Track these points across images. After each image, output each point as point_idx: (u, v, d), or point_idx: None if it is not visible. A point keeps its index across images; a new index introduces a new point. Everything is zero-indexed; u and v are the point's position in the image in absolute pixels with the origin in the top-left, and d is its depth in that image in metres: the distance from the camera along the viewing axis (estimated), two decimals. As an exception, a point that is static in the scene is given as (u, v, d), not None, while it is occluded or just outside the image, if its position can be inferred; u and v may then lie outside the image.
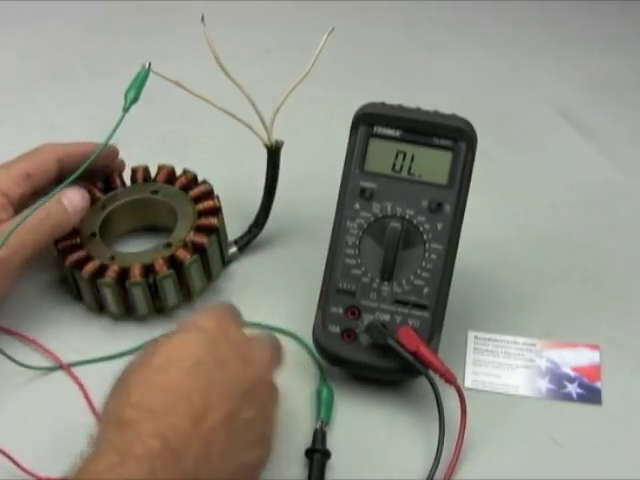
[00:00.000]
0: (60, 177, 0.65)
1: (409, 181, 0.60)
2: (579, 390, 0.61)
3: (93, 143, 0.65)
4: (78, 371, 0.62)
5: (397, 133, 0.60)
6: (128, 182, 0.72)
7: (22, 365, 0.61)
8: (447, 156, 0.59)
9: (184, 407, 0.45)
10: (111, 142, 0.59)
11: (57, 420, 0.59)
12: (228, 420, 0.46)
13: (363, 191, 0.60)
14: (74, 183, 0.59)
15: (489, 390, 0.61)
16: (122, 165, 0.72)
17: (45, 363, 0.63)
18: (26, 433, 0.58)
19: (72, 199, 0.64)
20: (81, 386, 0.61)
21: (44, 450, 0.56)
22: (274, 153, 0.66)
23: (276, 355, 0.54)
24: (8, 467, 0.55)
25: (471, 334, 0.64)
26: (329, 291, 0.60)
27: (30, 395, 0.61)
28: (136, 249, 0.67)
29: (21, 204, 0.63)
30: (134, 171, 0.72)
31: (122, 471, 0.43)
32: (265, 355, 0.52)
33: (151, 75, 0.60)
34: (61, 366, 0.62)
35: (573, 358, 0.63)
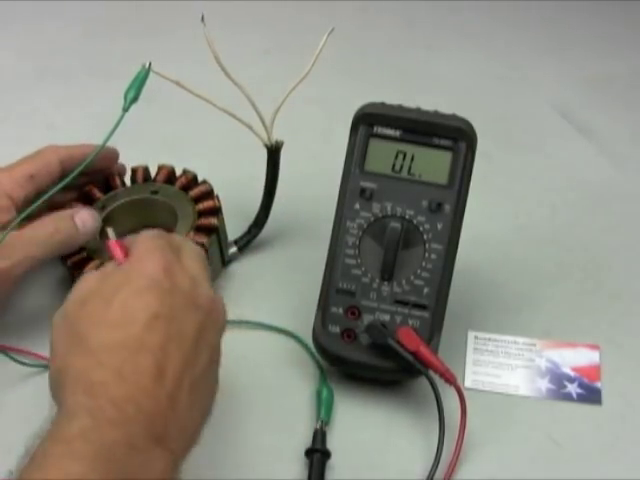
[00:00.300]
0: (63, 179, 0.65)
1: (409, 181, 0.60)
2: (579, 390, 0.61)
3: (95, 145, 0.66)
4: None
5: (397, 133, 0.60)
6: (128, 182, 0.72)
7: (20, 362, 0.61)
8: (447, 156, 0.59)
9: (150, 366, 0.45)
10: (110, 143, 0.59)
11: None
12: (188, 371, 0.46)
13: (363, 191, 0.60)
14: (74, 184, 0.59)
15: (489, 390, 0.61)
16: (123, 169, 0.72)
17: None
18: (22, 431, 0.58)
19: (84, 219, 0.64)
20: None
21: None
22: (274, 153, 0.66)
23: (208, 276, 0.52)
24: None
25: (471, 334, 0.64)
26: (329, 291, 0.60)
27: (25, 394, 0.61)
28: (136, 249, 0.67)
29: (25, 206, 0.63)
30: (134, 171, 0.72)
31: (96, 436, 0.42)
32: (209, 295, 0.50)
33: (151, 75, 0.60)
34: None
35: (573, 358, 0.63)
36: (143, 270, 0.49)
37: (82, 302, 0.48)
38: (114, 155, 0.70)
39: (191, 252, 0.52)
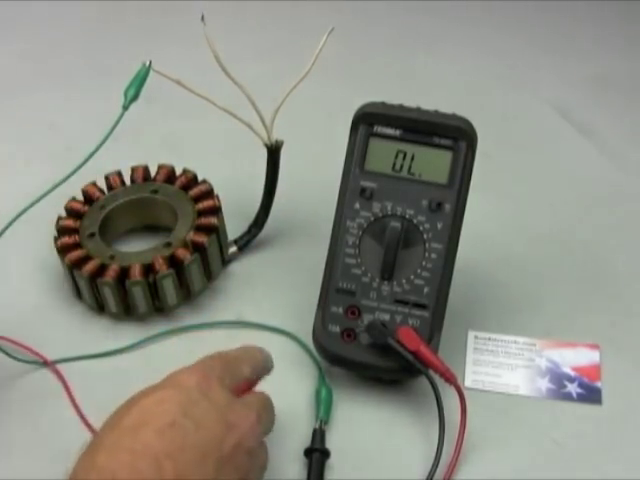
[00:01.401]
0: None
1: (409, 180, 0.60)
2: (579, 390, 0.61)
3: None
4: (71, 368, 0.62)
5: (397, 132, 0.60)
6: (128, 182, 0.72)
7: (15, 358, 0.61)
8: (447, 155, 0.59)
9: (152, 472, 0.42)
10: (110, 141, 0.59)
11: (42, 415, 0.59)
12: None
13: (363, 190, 0.60)
14: None
15: (489, 390, 0.61)
16: None
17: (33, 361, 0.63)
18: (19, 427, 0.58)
19: None
20: (65, 383, 0.61)
21: (38, 448, 0.56)
22: (274, 153, 0.66)
23: (265, 418, 0.51)
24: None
25: (471, 334, 0.64)
26: (329, 291, 0.60)
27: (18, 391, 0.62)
28: (136, 248, 0.67)
29: None
30: (134, 170, 0.72)
31: None
32: (249, 419, 0.48)
33: (152, 75, 0.60)
34: (45, 362, 0.62)
35: (573, 358, 0.63)
36: (175, 378, 0.48)
37: (116, 411, 0.46)
38: None
39: (258, 392, 0.52)
